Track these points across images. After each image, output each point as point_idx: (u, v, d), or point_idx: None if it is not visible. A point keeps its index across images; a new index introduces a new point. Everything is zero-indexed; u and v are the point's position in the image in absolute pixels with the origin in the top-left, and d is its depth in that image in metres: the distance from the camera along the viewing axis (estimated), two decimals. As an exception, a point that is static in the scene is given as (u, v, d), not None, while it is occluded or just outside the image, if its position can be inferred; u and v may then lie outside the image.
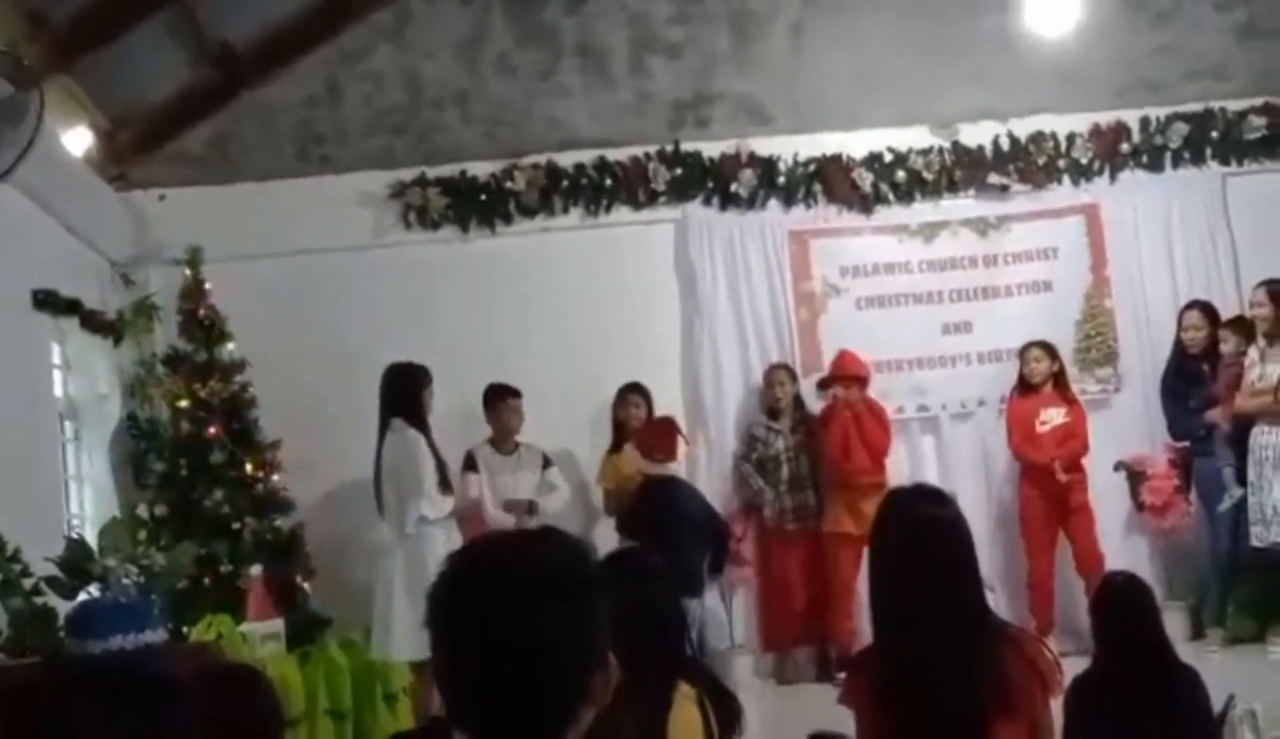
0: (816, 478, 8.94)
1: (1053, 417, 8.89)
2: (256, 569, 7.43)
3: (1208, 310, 8.90)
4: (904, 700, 3.28)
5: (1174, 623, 6.84)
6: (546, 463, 8.61)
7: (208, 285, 8.40)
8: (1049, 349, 9.01)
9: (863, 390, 8.92)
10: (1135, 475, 8.98)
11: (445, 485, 7.41)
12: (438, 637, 1.86)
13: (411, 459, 7.26)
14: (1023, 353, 9.02)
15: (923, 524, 3.39)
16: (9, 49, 5.63)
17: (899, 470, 8.88)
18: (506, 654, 1.80)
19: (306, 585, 8.14)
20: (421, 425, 7.38)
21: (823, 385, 9.04)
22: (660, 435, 8.65)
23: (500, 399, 8.56)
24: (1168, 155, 9.55)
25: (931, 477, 8.74)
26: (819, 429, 8.95)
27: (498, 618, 1.81)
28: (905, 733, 3.29)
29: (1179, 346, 8.94)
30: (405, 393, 7.45)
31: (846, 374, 8.92)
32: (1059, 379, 9.01)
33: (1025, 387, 9.01)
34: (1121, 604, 4.65)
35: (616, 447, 8.76)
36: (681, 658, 3.84)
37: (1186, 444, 8.82)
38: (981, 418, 9.35)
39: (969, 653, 3.27)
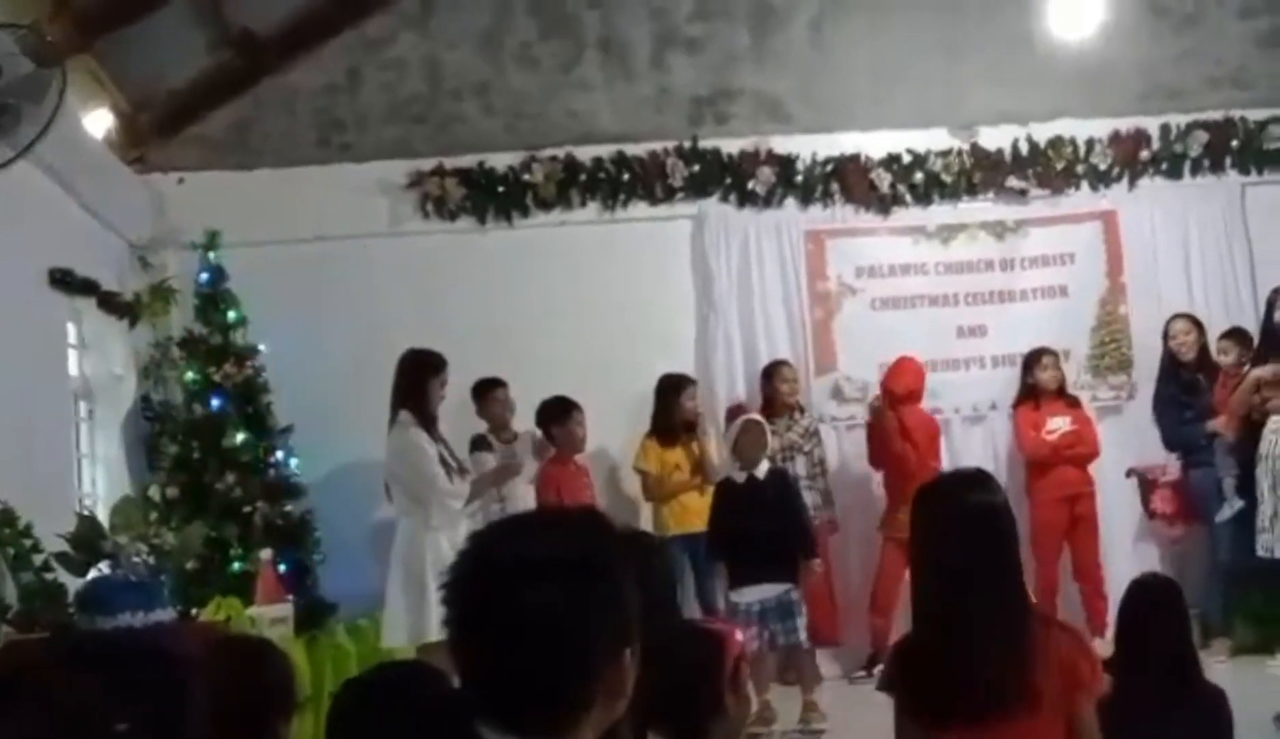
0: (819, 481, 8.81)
1: (1060, 425, 8.86)
2: (266, 553, 7.42)
3: (1194, 320, 8.94)
4: (941, 687, 3.26)
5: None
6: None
7: (224, 269, 8.43)
8: (1057, 356, 9.00)
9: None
10: (1146, 483, 8.96)
11: (458, 471, 7.32)
12: (447, 617, 1.88)
13: (411, 462, 7.16)
14: (1034, 360, 8.96)
15: (975, 511, 3.35)
16: (32, 26, 5.64)
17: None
18: (500, 636, 1.83)
19: (315, 570, 8.17)
20: (424, 415, 7.25)
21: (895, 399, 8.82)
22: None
23: (486, 392, 8.50)
24: (1187, 163, 9.50)
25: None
26: (878, 433, 8.82)
27: (488, 599, 1.84)
28: (939, 717, 3.29)
29: (1170, 357, 8.93)
30: (411, 382, 7.32)
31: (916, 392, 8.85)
32: (1062, 388, 8.99)
33: (1032, 393, 8.97)
34: (1146, 607, 4.31)
35: (664, 433, 8.67)
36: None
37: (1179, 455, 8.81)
38: (993, 421, 9.33)
39: (1014, 644, 3.25)
